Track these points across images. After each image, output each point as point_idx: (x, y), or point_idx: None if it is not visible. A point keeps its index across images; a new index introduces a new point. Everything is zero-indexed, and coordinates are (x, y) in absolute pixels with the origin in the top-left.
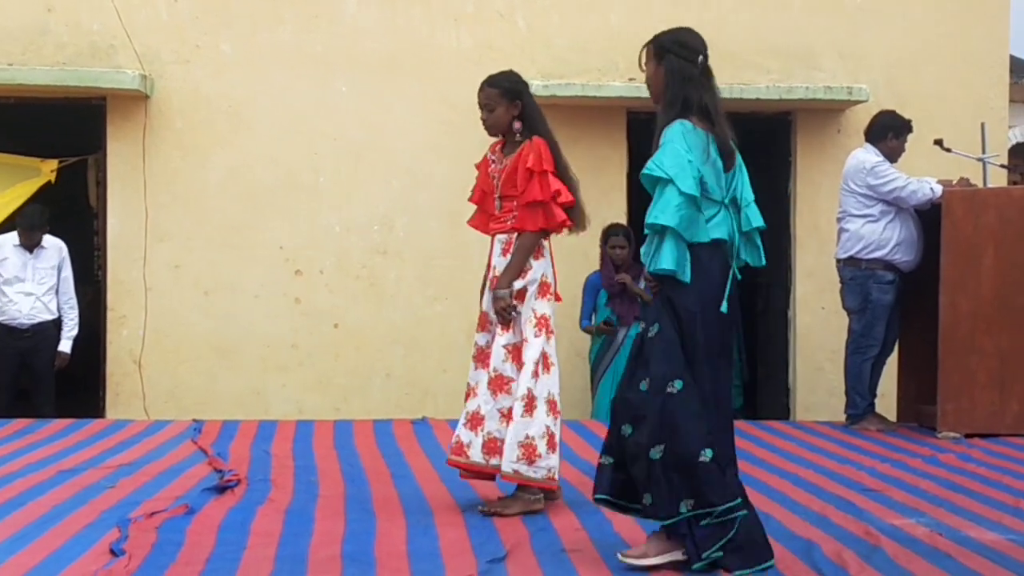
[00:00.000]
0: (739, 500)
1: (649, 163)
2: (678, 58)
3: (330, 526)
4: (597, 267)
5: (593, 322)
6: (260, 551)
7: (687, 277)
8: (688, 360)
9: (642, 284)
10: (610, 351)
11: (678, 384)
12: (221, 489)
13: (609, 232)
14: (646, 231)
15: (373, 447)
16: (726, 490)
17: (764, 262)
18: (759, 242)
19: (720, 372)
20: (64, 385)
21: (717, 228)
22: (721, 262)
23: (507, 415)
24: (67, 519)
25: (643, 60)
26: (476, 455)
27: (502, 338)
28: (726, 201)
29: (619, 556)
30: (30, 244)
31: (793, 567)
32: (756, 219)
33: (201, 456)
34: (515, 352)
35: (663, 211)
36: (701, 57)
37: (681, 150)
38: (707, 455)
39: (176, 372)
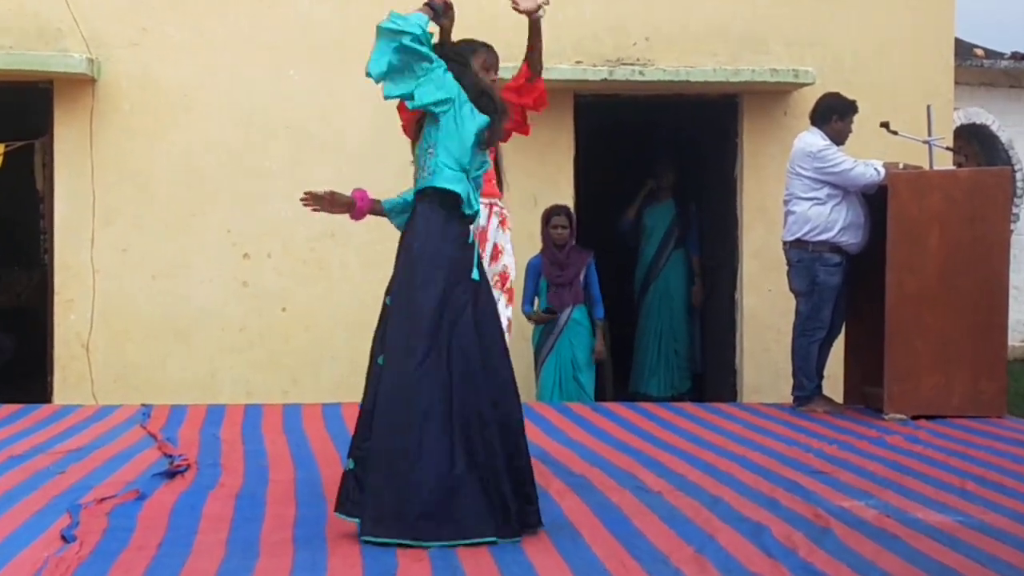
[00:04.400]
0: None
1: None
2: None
3: (281, 510)
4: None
5: (535, 307)
6: (212, 536)
7: None
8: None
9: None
10: (553, 334)
11: None
12: (171, 474)
13: (551, 213)
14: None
15: (322, 431)
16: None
17: None
18: None
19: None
20: (10, 370)
21: None
22: None
23: None
24: (17, 505)
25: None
26: None
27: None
28: None
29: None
30: None
31: (743, 550)
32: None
33: (150, 441)
34: None
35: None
36: None
37: None
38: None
39: (124, 356)
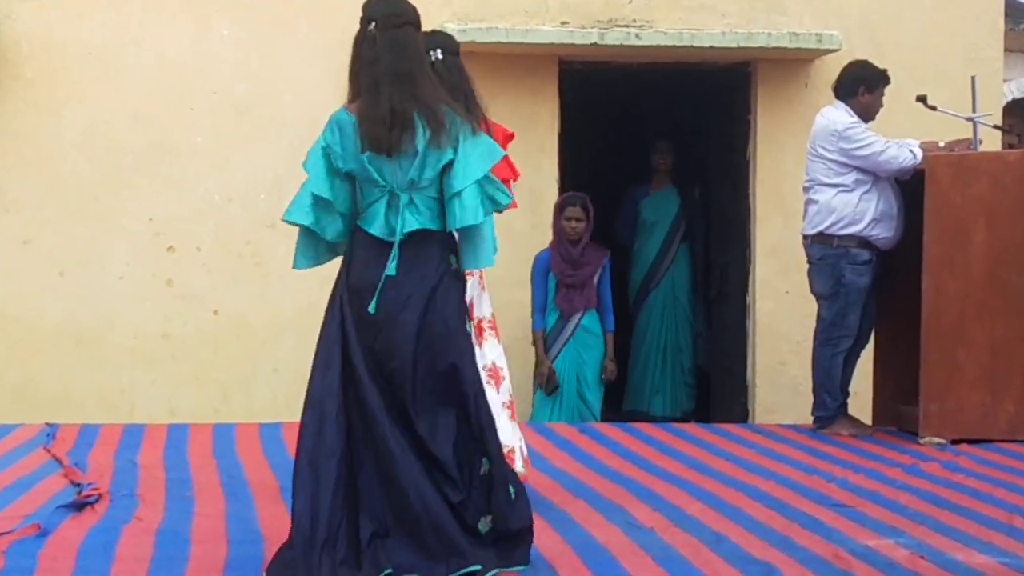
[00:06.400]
0: None
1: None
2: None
3: (209, 550)
4: (545, 245)
5: (544, 315)
6: None
7: None
8: None
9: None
10: (558, 342)
11: None
12: (79, 506)
13: (565, 203)
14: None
15: (259, 455)
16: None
17: None
18: None
19: None
20: None
21: None
22: None
23: None
24: None
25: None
26: None
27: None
28: None
29: None
30: None
31: None
32: None
33: (55, 466)
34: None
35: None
36: None
37: None
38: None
39: (26, 366)
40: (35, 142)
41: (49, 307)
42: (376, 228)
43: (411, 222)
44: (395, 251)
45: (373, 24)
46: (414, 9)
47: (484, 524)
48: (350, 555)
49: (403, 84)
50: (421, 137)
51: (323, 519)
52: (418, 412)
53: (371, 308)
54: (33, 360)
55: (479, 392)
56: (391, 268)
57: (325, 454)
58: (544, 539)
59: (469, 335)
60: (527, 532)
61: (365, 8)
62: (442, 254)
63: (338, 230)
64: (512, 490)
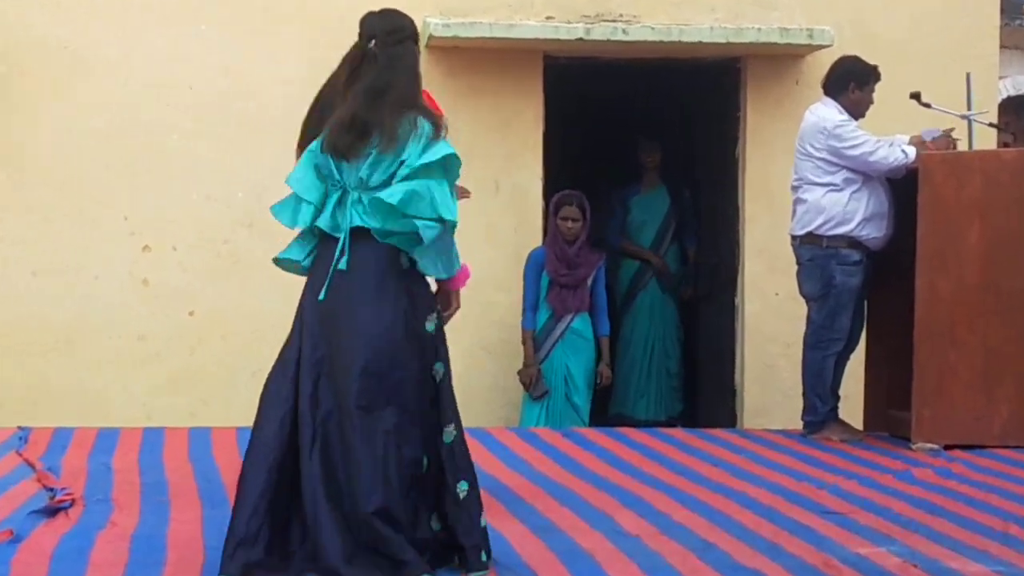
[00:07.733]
0: None
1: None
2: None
3: (186, 555)
4: (529, 246)
5: (536, 313)
6: None
7: None
8: None
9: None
10: (547, 343)
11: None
12: (52, 511)
13: (561, 202)
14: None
15: (235, 459)
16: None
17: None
18: None
19: None
20: None
21: None
22: None
23: None
24: None
25: None
26: None
27: None
28: None
29: None
30: None
31: None
32: None
33: (27, 470)
34: None
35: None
36: None
37: None
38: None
39: None
40: (9, 140)
41: (23, 308)
42: (322, 221)
43: (355, 219)
44: (342, 245)
45: (373, 42)
46: (411, 22)
47: (435, 523)
48: (269, 559)
49: (376, 95)
50: (374, 143)
51: (243, 519)
52: (359, 408)
53: (321, 296)
54: (6, 362)
55: (433, 389)
56: (342, 263)
57: (258, 460)
58: (528, 546)
59: (428, 334)
60: (477, 547)
61: (363, 24)
62: (391, 254)
63: (310, 215)
64: (461, 493)
